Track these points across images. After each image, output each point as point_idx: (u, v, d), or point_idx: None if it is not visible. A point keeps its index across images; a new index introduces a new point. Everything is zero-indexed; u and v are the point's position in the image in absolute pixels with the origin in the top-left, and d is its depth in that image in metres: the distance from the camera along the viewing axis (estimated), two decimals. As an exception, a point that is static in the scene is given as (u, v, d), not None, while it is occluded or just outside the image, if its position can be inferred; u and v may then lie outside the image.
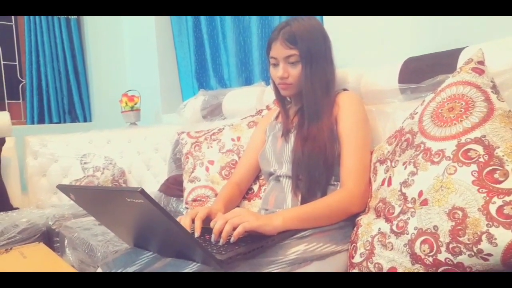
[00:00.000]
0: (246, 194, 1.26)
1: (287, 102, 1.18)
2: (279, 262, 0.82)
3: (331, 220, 0.93)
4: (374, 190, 0.96)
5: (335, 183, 1.02)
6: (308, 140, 1.02)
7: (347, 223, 0.96)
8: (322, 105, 1.03)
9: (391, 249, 0.81)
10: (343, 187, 0.97)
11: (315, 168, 1.00)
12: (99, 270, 0.96)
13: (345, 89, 1.14)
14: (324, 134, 1.00)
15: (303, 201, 1.00)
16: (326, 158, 0.99)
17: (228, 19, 2.23)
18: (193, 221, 0.91)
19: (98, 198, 0.84)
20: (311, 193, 1.00)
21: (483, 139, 0.74)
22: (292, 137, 1.08)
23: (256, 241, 0.82)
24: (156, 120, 2.75)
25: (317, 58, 1.02)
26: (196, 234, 0.87)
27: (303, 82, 1.03)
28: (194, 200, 1.38)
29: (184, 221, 0.91)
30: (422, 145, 0.83)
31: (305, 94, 1.04)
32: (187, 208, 1.40)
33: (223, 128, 1.47)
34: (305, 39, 1.01)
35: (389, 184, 0.89)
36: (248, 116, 1.50)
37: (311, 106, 1.03)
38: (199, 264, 0.77)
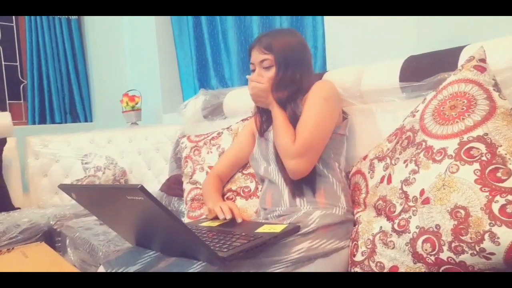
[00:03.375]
0: (242, 192, 1.27)
1: None
2: (283, 262, 0.82)
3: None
4: (372, 187, 0.96)
5: (324, 173, 1.02)
6: None
7: (348, 217, 0.98)
8: (292, 98, 1.05)
9: (393, 248, 0.81)
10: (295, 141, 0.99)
11: None
12: (101, 268, 0.96)
13: None
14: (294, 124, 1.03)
15: (293, 193, 1.01)
16: None
17: (229, 18, 2.22)
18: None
19: (99, 197, 0.84)
20: (297, 185, 1.01)
21: (486, 137, 0.74)
22: (270, 135, 1.12)
23: (257, 236, 0.82)
24: (157, 120, 2.75)
25: (293, 65, 1.06)
26: (229, 216, 0.99)
27: (274, 81, 1.06)
28: (193, 199, 1.39)
29: (225, 206, 1.02)
30: (424, 143, 0.83)
31: (275, 89, 1.06)
32: (188, 209, 1.40)
33: (222, 133, 1.48)
34: (281, 46, 1.06)
35: (389, 182, 0.88)
36: (245, 118, 1.50)
37: (280, 101, 1.06)
38: (203, 264, 0.77)
